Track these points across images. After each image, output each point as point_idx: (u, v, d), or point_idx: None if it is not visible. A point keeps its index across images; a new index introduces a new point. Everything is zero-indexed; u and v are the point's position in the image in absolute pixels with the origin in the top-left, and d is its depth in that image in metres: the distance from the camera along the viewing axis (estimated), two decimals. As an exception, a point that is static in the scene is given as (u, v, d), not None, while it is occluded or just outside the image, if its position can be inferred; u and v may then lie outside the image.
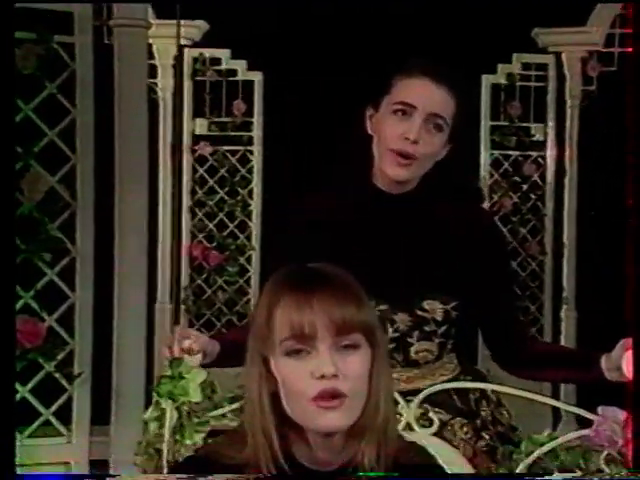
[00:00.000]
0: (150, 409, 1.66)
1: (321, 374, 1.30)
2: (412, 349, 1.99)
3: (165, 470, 1.63)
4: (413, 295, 1.99)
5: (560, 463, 1.81)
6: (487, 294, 2.03)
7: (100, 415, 2.95)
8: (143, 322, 3.04)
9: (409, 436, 1.55)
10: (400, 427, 1.69)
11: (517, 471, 1.81)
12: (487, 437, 1.97)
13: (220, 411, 1.82)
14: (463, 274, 2.01)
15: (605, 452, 1.75)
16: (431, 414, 1.88)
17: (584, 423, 1.81)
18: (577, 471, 1.79)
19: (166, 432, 1.60)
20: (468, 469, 1.84)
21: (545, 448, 1.80)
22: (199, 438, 1.62)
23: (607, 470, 1.75)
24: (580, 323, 4.78)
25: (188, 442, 1.62)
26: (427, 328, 2.00)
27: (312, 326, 1.31)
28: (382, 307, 1.97)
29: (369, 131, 2.03)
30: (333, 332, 1.31)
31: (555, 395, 4.36)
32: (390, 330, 1.98)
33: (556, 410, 4.51)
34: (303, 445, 1.34)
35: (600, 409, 1.77)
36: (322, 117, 4.57)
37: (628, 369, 1.81)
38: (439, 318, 2.00)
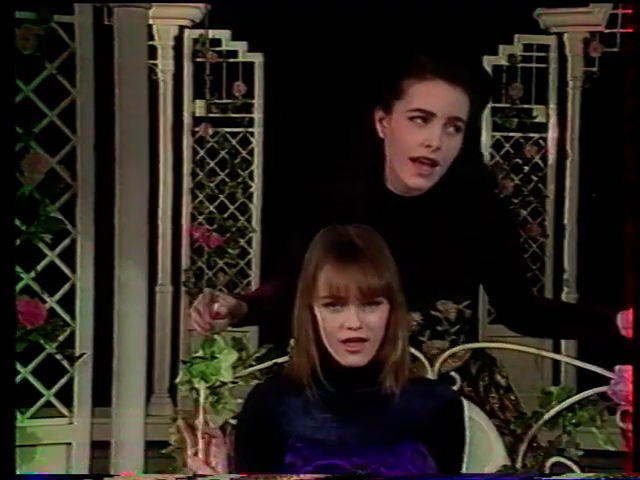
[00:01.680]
0: (183, 388, 1.70)
1: (349, 326, 1.72)
2: (423, 346, 1.98)
3: (200, 445, 1.68)
4: (426, 295, 1.97)
5: (577, 419, 1.85)
6: (498, 266, 2.02)
7: (101, 396, 2.95)
8: (144, 304, 3.03)
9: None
10: None
11: (535, 427, 1.85)
12: (495, 425, 1.95)
13: (249, 370, 1.91)
14: (477, 270, 2.00)
15: (621, 409, 1.79)
16: (452, 374, 1.93)
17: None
18: (594, 429, 1.83)
19: (200, 411, 1.66)
20: (484, 422, 1.90)
21: (565, 404, 1.84)
22: (222, 419, 1.68)
23: (623, 426, 1.79)
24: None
25: (217, 420, 1.68)
26: (439, 327, 1.99)
27: (345, 291, 1.71)
28: None
29: (380, 134, 1.98)
30: (360, 296, 1.72)
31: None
32: None
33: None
34: (335, 362, 1.75)
35: (617, 368, 1.81)
36: (323, 98, 4.55)
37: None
38: (452, 318, 2.00)
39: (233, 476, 1.65)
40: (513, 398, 2.04)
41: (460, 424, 1.78)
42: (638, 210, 2.04)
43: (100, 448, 2.95)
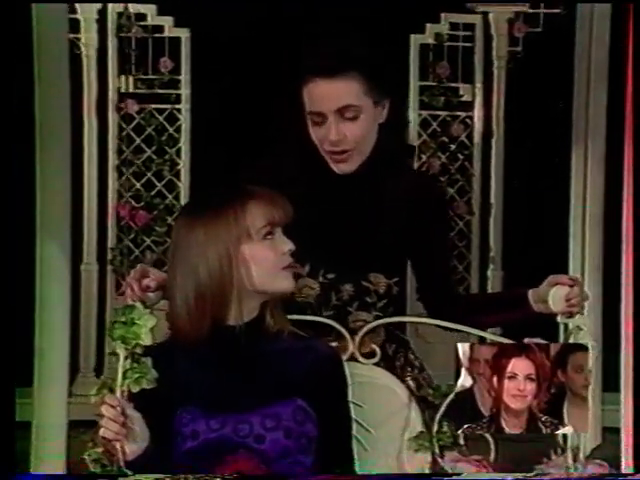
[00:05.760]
0: (109, 352, 1.78)
1: (289, 249, 1.82)
2: (350, 317, 2.09)
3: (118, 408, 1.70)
4: (360, 266, 2.08)
5: None
6: (429, 255, 2.13)
7: (23, 376, 2.91)
8: (67, 282, 3.00)
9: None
10: (345, 358, 1.99)
11: (451, 396, 1.90)
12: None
13: None
14: (409, 247, 2.11)
15: None
16: (373, 346, 2.02)
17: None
18: None
19: (119, 374, 1.71)
20: (404, 393, 2.01)
21: None
22: (146, 384, 1.73)
23: None
24: (506, 282, 4.85)
25: (133, 388, 1.73)
26: (368, 299, 2.10)
27: (278, 217, 1.81)
28: (330, 276, 2.09)
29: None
30: (283, 222, 1.83)
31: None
32: (334, 298, 2.09)
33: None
34: (236, 306, 1.81)
35: (526, 341, 1.87)
36: (251, 75, 4.52)
37: (554, 303, 1.97)
38: (381, 291, 2.10)
39: (199, 476, 1.72)
40: (427, 376, 2.15)
41: (338, 376, 1.85)
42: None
43: (22, 429, 2.91)
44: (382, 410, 1.99)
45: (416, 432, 1.97)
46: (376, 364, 2.02)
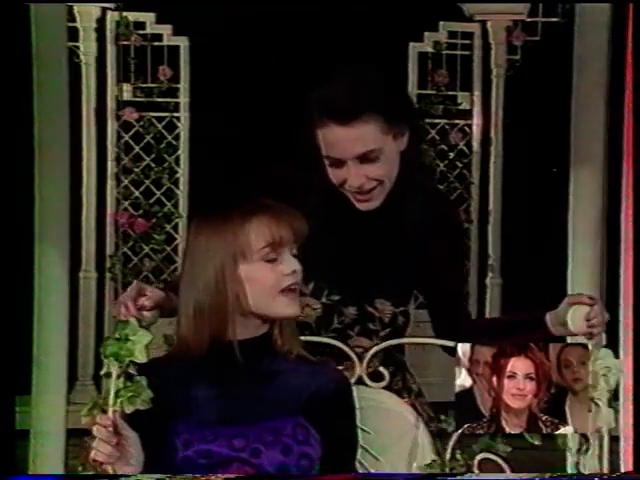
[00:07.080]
0: (103, 369, 1.69)
1: (292, 270, 1.68)
2: (349, 342, 1.98)
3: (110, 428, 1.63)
4: (367, 290, 1.99)
5: None
6: (442, 282, 2.03)
7: (21, 385, 2.91)
8: (65, 290, 2.99)
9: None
10: (353, 381, 1.91)
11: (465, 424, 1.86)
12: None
13: None
14: (421, 273, 2.01)
15: None
16: (381, 369, 1.93)
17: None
18: None
19: (111, 394, 1.62)
20: (412, 417, 1.95)
21: None
22: (140, 404, 1.64)
23: None
24: (504, 290, 4.85)
25: (126, 408, 1.64)
26: (371, 326, 2.01)
27: (283, 237, 1.68)
28: (334, 297, 2.00)
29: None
30: (292, 241, 1.69)
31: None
32: (335, 321, 2.00)
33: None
34: (238, 327, 1.71)
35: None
36: (249, 83, 4.53)
37: (573, 323, 1.88)
38: (386, 320, 2.02)
39: (188, 476, 1.66)
40: (424, 402, 2.06)
41: (346, 403, 1.75)
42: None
43: (20, 437, 2.91)
44: (389, 435, 1.91)
45: (427, 460, 1.89)
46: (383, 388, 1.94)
